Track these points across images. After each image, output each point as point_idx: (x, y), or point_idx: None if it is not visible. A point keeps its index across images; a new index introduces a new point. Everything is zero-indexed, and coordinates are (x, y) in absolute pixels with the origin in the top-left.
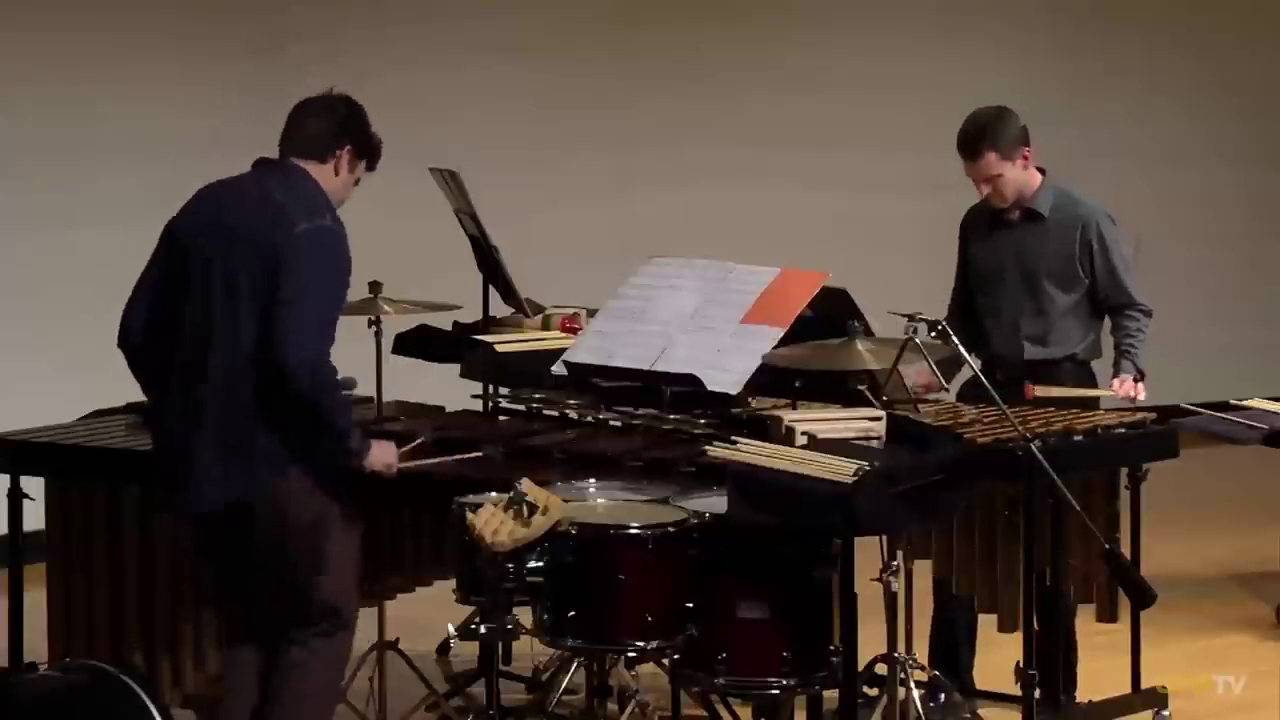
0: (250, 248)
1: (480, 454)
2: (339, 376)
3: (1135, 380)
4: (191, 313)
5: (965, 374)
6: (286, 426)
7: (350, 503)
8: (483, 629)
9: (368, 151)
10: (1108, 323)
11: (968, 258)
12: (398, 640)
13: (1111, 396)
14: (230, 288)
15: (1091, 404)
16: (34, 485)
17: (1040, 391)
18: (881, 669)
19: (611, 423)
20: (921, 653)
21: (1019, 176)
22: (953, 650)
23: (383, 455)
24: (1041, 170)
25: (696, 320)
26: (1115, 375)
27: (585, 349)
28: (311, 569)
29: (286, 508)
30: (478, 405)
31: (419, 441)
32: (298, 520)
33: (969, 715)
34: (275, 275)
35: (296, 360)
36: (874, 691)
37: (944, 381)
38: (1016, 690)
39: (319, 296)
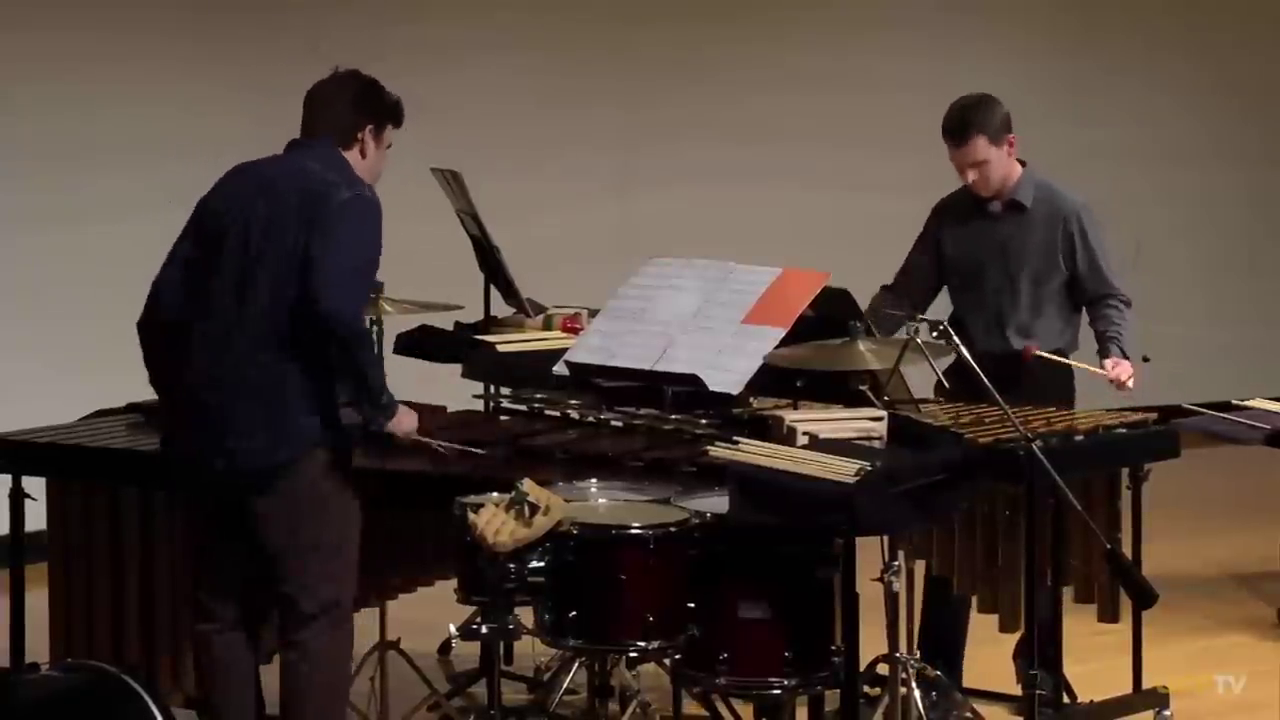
0: (293, 215)
1: (485, 452)
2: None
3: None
4: (223, 284)
5: (940, 361)
6: (317, 399)
7: (356, 492)
8: (484, 629)
9: (389, 119)
10: (1084, 317)
11: (942, 249)
12: (399, 640)
13: (1104, 375)
14: (270, 254)
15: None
16: (35, 485)
17: (1039, 353)
18: (883, 669)
19: (613, 423)
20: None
21: (1003, 164)
22: (943, 648)
23: (406, 421)
24: (1022, 162)
25: (697, 320)
26: (1105, 357)
27: (586, 349)
28: (316, 549)
29: (308, 485)
30: (479, 405)
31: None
32: (310, 498)
33: (970, 715)
34: (313, 238)
35: (333, 309)
36: (875, 691)
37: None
38: (1014, 689)
39: (356, 254)
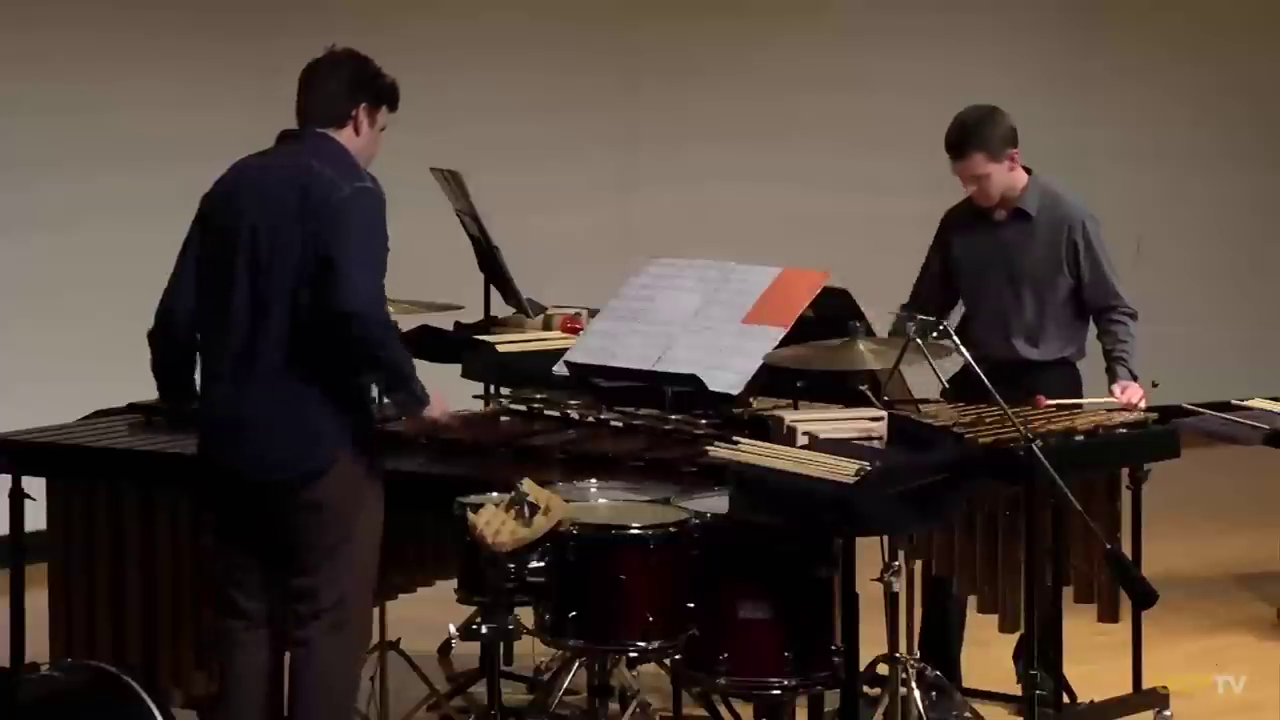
0: (297, 218)
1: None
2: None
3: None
4: (239, 289)
5: (944, 366)
6: (342, 403)
7: (381, 494)
8: (484, 629)
9: (384, 99)
10: (1092, 324)
11: (949, 257)
12: (399, 640)
13: (1114, 403)
14: (280, 259)
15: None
16: (35, 485)
17: (1050, 402)
18: (883, 669)
19: (613, 423)
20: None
21: (1004, 177)
22: (943, 647)
23: (440, 404)
24: (1027, 169)
25: (698, 320)
26: (1113, 381)
27: (586, 349)
28: (334, 551)
29: (333, 488)
30: (479, 405)
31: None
32: (339, 502)
33: (969, 715)
34: (324, 238)
35: (356, 305)
36: (875, 691)
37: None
38: (1014, 689)
39: (367, 250)
